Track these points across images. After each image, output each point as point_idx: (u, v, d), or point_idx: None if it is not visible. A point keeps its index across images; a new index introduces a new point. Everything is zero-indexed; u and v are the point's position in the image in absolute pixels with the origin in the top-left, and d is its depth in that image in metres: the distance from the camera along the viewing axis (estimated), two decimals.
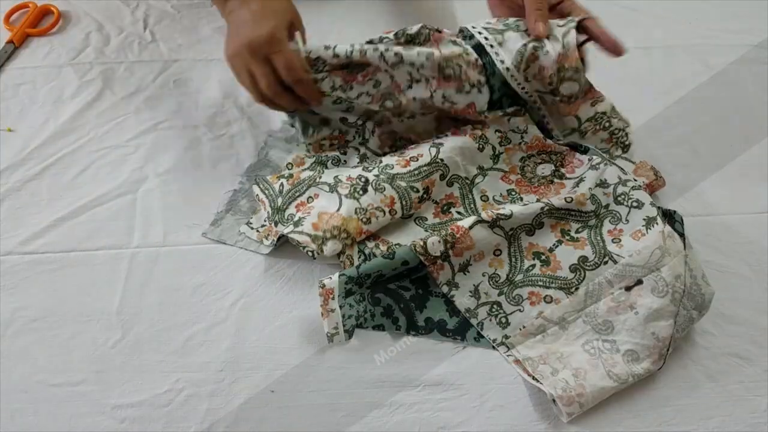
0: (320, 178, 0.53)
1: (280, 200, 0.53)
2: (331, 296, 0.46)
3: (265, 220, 0.53)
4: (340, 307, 0.46)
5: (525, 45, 0.52)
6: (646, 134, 0.61)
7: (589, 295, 0.48)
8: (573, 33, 0.52)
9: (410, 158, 0.53)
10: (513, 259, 0.50)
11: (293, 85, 0.51)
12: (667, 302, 0.45)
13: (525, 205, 0.50)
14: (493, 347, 0.47)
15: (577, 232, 0.50)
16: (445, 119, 0.58)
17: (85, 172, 0.57)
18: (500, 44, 0.53)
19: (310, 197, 0.53)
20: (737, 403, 0.46)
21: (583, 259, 0.49)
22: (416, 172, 0.53)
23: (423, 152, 0.54)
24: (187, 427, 0.44)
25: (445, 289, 0.49)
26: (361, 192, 0.51)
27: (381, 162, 0.54)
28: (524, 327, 0.47)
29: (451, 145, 0.54)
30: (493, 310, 0.48)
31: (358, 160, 0.57)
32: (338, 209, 0.50)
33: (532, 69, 0.53)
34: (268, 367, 0.46)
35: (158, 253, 0.52)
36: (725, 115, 0.64)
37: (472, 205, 0.54)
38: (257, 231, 0.53)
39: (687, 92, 0.66)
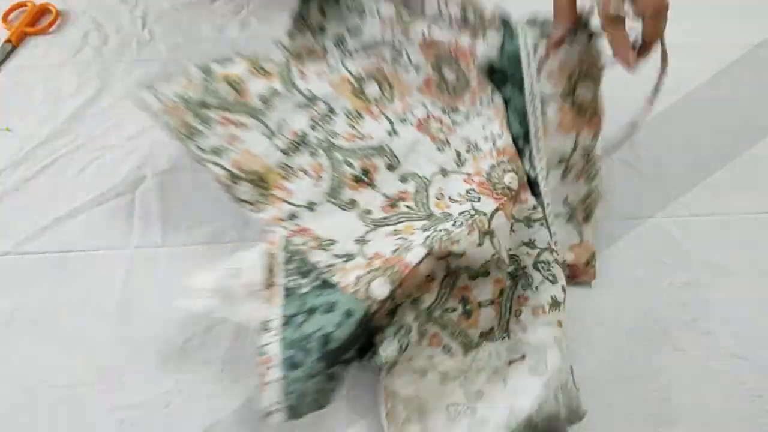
0: (265, 115, 0.50)
1: (211, 99, 0.49)
2: (268, 365, 0.41)
3: (174, 96, 0.49)
4: (283, 378, 0.40)
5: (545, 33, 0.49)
6: (647, 133, 0.62)
7: (475, 363, 0.45)
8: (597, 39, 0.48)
9: (357, 135, 0.51)
10: (441, 292, 0.45)
11: None
12: (540, 384, 0.42)
13: (480, 245, 0.44)
14: (379, 366, 0.43)
15: (500, 293, 0.47)
16: (432, 89, 0.54)
17: (83, 171, 0.58)
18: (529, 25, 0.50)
19: (242, 124, 0.49)
20: (739, 404, 0.46)
21: (491, 329, 0.46)
22: (357, 149, 0.50)
23: (374, 133, 0.51)
24: (187, 428, 0.44)
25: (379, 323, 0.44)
26: (293, 150, 0.49)
27: (331, 121, 0.51)
28: (411, 359, 0.43)
29: (406, 136, 0.52)
30: (401, 332, 0.43)
31: (327, 69, 0.54)
32: (265, 155, 0.49)
33: (548, 67, 0.48)
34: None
35: (157, 253, 0.52)
36: (727, 114, 0.64)
37: (424, 201, 0.50)
38: (161, 102, 0.49)
39: (688, 91, 0.66)
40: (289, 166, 0.49)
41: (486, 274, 0.45)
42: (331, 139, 0.50)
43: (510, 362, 0.45)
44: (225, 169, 0.48)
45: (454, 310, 0.45)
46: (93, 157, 0.59)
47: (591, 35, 0.47)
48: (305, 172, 0.50)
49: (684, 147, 0.62)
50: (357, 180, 0.50)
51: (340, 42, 0.56)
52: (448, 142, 0.52)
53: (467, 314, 0.45)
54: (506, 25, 0.50)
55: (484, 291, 0.46)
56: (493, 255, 0.45)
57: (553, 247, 0.48)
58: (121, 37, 0.69)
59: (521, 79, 0.49)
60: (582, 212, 0.50)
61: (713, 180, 0.59)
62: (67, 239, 0.53)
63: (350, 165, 0.50)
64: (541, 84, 0.49)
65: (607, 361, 0.48)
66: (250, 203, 0.49)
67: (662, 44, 0.47)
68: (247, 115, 0.50)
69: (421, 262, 0.42)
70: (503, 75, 0.50)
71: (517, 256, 0.48)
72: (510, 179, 0.48)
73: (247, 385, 0.46)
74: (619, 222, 0.55)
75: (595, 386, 0.46)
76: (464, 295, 0.46)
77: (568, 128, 0.49)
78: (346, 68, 0.54)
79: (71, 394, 0.45)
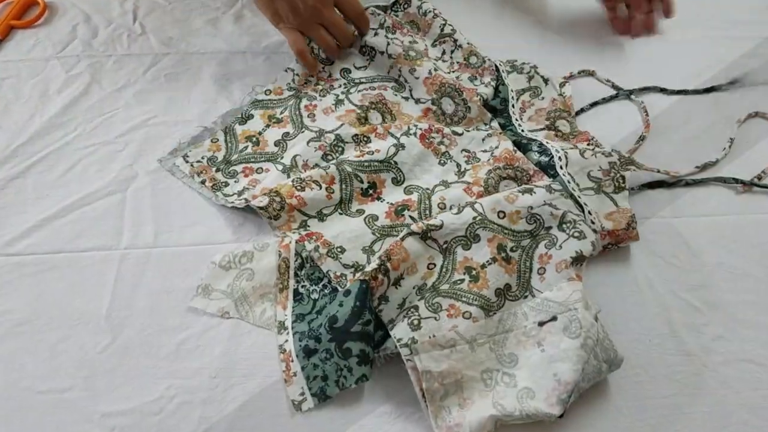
0: (281, 157, 0.58)
1: (235, 156, 0.59)
2: (290, 359, 0.46)
3: (202, 158, 0.58)
4: (302, 368, 0.46)
5: (524, 90, 0.63)
6: (657, 130, 0.62)
7: (502, 324, 0.47)
8: (568, 86, 0.63)
9: (366, 151, 0.57)
10: (443, 271, 0.50)
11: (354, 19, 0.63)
12: (577, 345, 0.44)
13: (457, 213, 0.51)
14: (396, 347, 0.45)
15: (512, 250, 0.51)
16: (429, 117, 0.62)
17: (72, 169, 0.58)
18: (508, 73, 0.65)
19: (261, 168, 0.57)
20: (753, 411, 0.46)
21: (507, 287, 0.49)
22: (366, 164, 0.56)
23: (381, 148, 0.57)
24: None
25: (375, 302, 0.48)
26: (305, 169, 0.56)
27: (341, 150, 0.58)
28: (434, 336, 0.46)
29: (411, 149, 0.58)
30: (410, 313, 0.47)
31: (333, 103, 0.62)
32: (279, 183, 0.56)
33: (528, 113, 0.62)
34: (264, 373, 0.47)
35: (149, 254, 0.53)
36: (737, 109, 0.64)
37: (427, 211, 0.54)
38: (191, 165, 0.58)
39: (698, 86, 0.66)
40: (302, 179, 0.55)
41: (477, 238, 0.50)
42: (342, 157, 0.57)
43: (541, 323, 0.47)
44: (244, 199, 0.55)
45: (461, 281, 0.49)
46: (82, 154, 0.59)
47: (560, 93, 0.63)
48: (317, 183, 0.54)
49: (695, 143, 0.62)
50: (365, 194, 0.55)
51: (345, 72, 0.65)
52: (449, 155, 0.59)
53: (474, 279, 0.49)
54: (498, 72, 0.65)
55: (481, 253, 0.50)
56: (475, 217, 0.50)
57: (577, 213, 0.52)
58: (111, 30, 0.70)
59: (509, 117, 0.61)
60: (610, 184, 0.55)
61: (725, 177, 0.59)
62: (55, 240, 0.53)
63: (359, 179, 0.55)
64: (525, 125, 0.61)
65: None
66: (266, 211, 0.53)
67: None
68: (266, 161, 0.58)
69: (404, 239, 0.49)
70: (495, 112, 0.62)
71: (539, 215, 0.52)
72: (504, 186, 0.55)
73: (242, 390, 0.46)
74: (668, 187, 0.56)
75: (600, 391, 0.46)
76: (467, 266, 0.50)
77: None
78: (350, 101, 0.63)
79: (60, 401, 0.45)
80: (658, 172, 0.57)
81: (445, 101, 0.62)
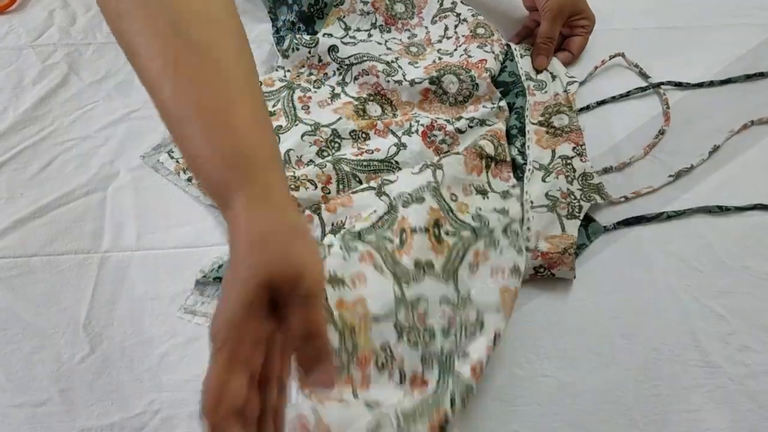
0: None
1: None
2: None
3: None
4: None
5: (529, 79, 0.64)
6: (677, 120, 0.62)
7: (416, 297, 0.47)
8: (576, 86, 0.64)
9: (366, 150, 0.58)
10: (378, 223, 0.50)
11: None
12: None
13: (416, 173, 0.53)
14: None
15: (446, 234, 0.51)
16: (431, 99, 0.62)
17: (48, 167, 0.58)
18: (522, 56, 0.66)
19: None
20: None
21: (429, 264, 0.48)
22: (365, 163, 0.56)
23: (381, 147, 0.58)
24: None
25: None
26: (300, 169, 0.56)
27: (338, 146, 0.59)
28: (334, 274, 0.45)
29: (413, 147, 0.58)
30: (321, 248, 0.48)
31: (329, 96, 0.62)
32: None
33: (529, 100, 0.62)
34: None
35: (131, 258, 0.52)
36: (761, 98, 0.64)
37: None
38: (177, 161, 0.57)
39: (718, 72, 0.67)
40: (296, 177, 0.54)
41: (421, 200, 0.51)
42: (339, 156, 0.57)
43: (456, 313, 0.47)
44: None
45: (390, 240, 0.49)
46: (59, 150, 0.59)
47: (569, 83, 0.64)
48: (313, 182, 0.54)
49: (716, 134, 0.61)
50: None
51: (333, 50, 0.64)
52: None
53: (401, 244, 0.49)
54: (508, 47, 0.65)
55: (417, 218, 0.50)
56: (429, 182, 0.51)
57: (521, 225, 0.53)
58: (90, 16, 0.69)
59: (522, 88, 0.62)
60: (565, 207, 0.55)
61: (750, 177, 0.59)
62: (30, 243, 0.53)
63: (358, 179, 0.55)
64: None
65: (631, 377, 0.48)
66: None
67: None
68: None
69: (356, 192, 0.52)
70: (504, 86, 0.63)
71: (486, 217, 0.52)
72: (485, 143, 0.56)
73: None
74: (647, 222, 0.56)
75: (618, 405, 0.46)
76: (402, 227, 0.50)
77: (545, 146, 0.59)
78: (346, 93, 0.63)
79: (34, 415, 0.45)
80: (625, 199, 0.57)
81: (447, 79, 0.61)
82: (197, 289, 0.51)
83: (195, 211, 0.55)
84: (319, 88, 0.63)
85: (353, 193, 0.52)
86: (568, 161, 0.57)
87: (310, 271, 0.34)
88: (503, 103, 0.61)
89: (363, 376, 0.44)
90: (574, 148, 0.59)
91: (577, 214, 0.54)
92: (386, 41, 0.67)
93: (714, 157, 0.60)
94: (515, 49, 0.65)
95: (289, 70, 0.65)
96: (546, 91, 0.63)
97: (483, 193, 0.54)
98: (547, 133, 0.60)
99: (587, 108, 0.64)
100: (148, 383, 0.46)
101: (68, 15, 0.70)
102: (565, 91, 0.63)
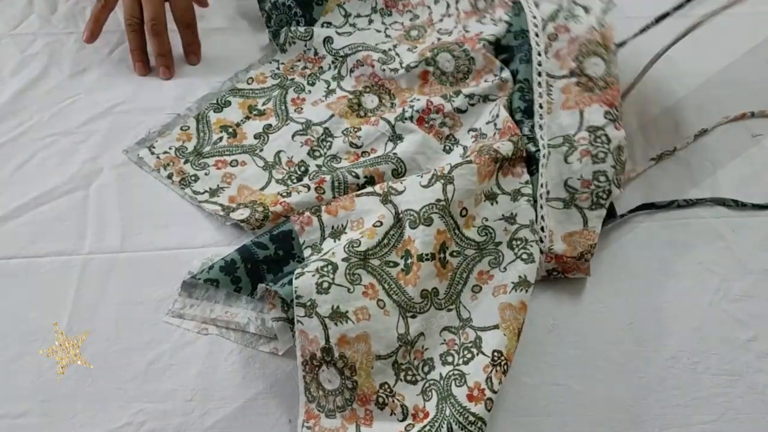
0: (261, 150, 0.58)
1: (207, 148, 0.58)
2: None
3: (170, 149, 0.58)
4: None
5: (558, 11, 0.57)
6: (697, 123, 0.62)
7: (418, 332, 0.47)
8: (612, 15, 0.56)
9: (363, 152, 0.58)
10: (384, 240, 0.49)
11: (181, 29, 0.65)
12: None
13: (426, 186, 0.50)
14: (292, 300, 0.45)
15: (452, 255, 0.50)
16: (431, 81, 0.61)
17: (27, 164, 0.57)
18: (536, 5, 0.59)
19: (236, 161, 0.57)
20: None
21: (435, 291, 0.49)
22: (362, 161, 0.57)
23: (378, 148, 0.58)
24: None
25: (307, 252, 0.49)
26: (294, 180, 0.56)
27: (330, 145, 0.58)
28: (337, 308, 0.45)
29: (410, 137, 0.57)
30: (325, 270, 0.46)
31: (323, 94, 0.62)
32: (263, 188, 0.56)
33: (555, 46, 0.57)
34: (246, 396, 0.46)
35: (115, 260, 0.52)
36: None
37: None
38: (157, 157, 0.58)
39: (733, 62, 0.67)
40: (287, 185, 0.55)
41: (429, 221, 0.49)
42: (335, 164, 0.58)
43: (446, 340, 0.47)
44: (220, 205, 0.55)
45: (395, 264, 0.48)
46: (39, 146, 0.59)
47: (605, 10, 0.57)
48: (305, 186, 0.54)
49: (735, 138, 0.62)
50: (361, 189, 0.54)
51: (327, 42, 0.64)
52: (454, 138, 0.58)
53: (407, 270, 0.48)
54: (515, 2, 0.60)
55: (424, 243, 0.49)
56: (439, 200, 0.49)
57: (535, 227, 0.51)
58: (72, 3, 0.69)
59: (528, 52, 0.56)
60: (587, 197, 0.52)
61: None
62: (8, 244, 0.53)
63: (354, 174, 0.55)
64: (549, 63, 0.56)
65: (646, 386, 0.47)
66: (248, 223, 0.53)
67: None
68: (242, 153, 0.58)
69: (360, 195, 0.51)
70: (510, 52, 0.59)
71: (493, 229, 0.52)
72: (500, 145, 0.53)
73: (222, 415, 0.45)
74: (663, 222, 0.56)
75: (631, 415, 0.46)
76: (406, 248, 0.49)
77: (572, 106, 0.55)
78: (342, 88, 0.63)
79: (13, 428, 0.45)
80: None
81: (441, 58, 0.60)
82: (185, 291, 0.50)
83: (183, 210, 0.55)
84: (313, 84, 0.63)
85: (357, 196, 0.52)
86: (599, 132, 0.53)
87: None
88: (506, 74, 0.59)
89: (366, 412, 0.44)
90: (606, 112, 0.53)
91: (603, 202, 0.52)
92: (386, 27, 0.67)
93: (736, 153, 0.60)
94: (526, 2, 0.59)
95: (283, 63, 0.65)
96: (581, 21, 0.56)
97: (492, 198, 0.53)
98: (578, 85, 0.55)
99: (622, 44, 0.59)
100: (133, 393, 0.46)
101: (49, 2, 0.69)
102: (601, 25, 0.56)
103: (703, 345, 0.49)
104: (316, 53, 0.65)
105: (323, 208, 0.51)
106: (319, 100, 0.62)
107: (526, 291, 0.47)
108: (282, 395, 0.46)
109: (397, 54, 0.63)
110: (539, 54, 0.56)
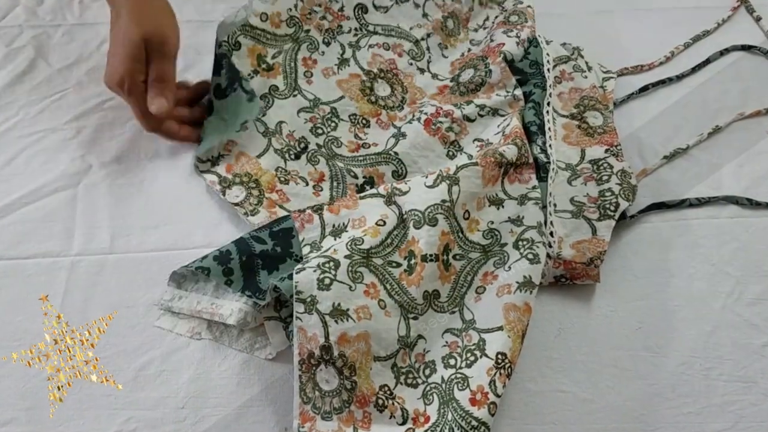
0: (264, 115, 0.59)
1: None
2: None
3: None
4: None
5: (567, 59, 0.63)
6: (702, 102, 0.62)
7: (416, 334, 0.48)
8: (613, 82, 0.63)
9: (362, 144, 0.59)
10: (387, 240, 0.50)
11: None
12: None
13: (431, 186, 0.51)
14: (289, 297, 0.45)
15: (455, 258, 0.51)
16: (445, 92, 0.63)
17: (13, 161, 0.58)
18: (548, 43, 0.64)
19: (242, 127, 0.57)
20: None
21: (436, 294, 0.49)
22: (361, 158, 0.57)
23: (380, 141, 0.59)
24: None
25: (306, 250, 0.50)
26: (292, 156, 0.57)
27: (334, 126, 0.59)
28: (338, 305, 0.45)
29: (414, 138, 0.58)
30: (327, 266, 0.47)
31: (336, 62, 0.62)
32: (260, 155, 0.56)
33: (560, 89, 0.62)
34: (240, 402, 0.47)
35: (104, 261, 0.52)
36: None
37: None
38: None
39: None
40: (287, 171, 0.55)
41: (434, 221, 0.50)
42: (334, 148, 0.58)
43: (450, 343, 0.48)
44: (217, 175, 0.55)
45: (398, 265, 0.49)
46: (26, 143, 0.59)
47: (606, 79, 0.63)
48: (304, 180, 0.55)
49: (749, 135, 0.61)
50: (361, 191, 0.55)
51: (361, 10, 0.64)
52: (459, 145, 0.59)
53: (410, 271, 0.49)
54: (533, 35, 0.64)
55: (428, 243, 0.49)
56: (444, 201, 0.50)
57: (543, 229, 0.52)
58: None
59: (543, 81, 0.60)
60: (595, 210, 0.55)
61: None
62: None
63: (353, 175, 0.56)
64: (554, 100, 0.61)
65: (656, 393, 0.48)
66: (242, 206, 0.54)
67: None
68: (245, 117, 0.58)
69: (364, 197, 0.52)
70: (524, 75, 0.61)
71: (498, 231, 0.53)
72: (506, 149, 0.54)
73: (215, 423, 0.46)
74: (674, 221, 0.56)
75: (642, 423, 0.46)
76: (410, 248, 0.49)
77: (573, 143, 0.59)
78: (357, 62, 0.63)
79: None
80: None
81: (465, 74, 0.62)
82: (174, 282, 0.51)
83: (175, 210, 0.55)
84: (328, 44, 0.63)
85: (361, 198, 0.52)
86: (601, 162, 0.57)
87: (172, 36, 0.55)
88: (519, 92, 0.60)
89: (364, 414, 0.45)
90: (607, 149, 0.58)
91: (612, 213, 0.54)
92: (425, 2, 0.66)
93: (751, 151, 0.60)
94: (541, 38, 0.63)
95: (302, 1, 0.62)
96: (586, 76, 0.63)
97: (498, 203, 0.54)
98: (579, 128, 0.60)
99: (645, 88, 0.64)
100: (124, 400, 0.46)
101: None
102: (602, 87, 0.63)
103: (716, 350, 0.49)
104: (341, 9, 0.64)
105: (325, 207, 0.52)
106: (331, 70, 0.62)
107: (531, 292, 0.48)
108: (278, 401, 0.47)
109: (428, 48, 0.64)
110: (551, 86, 0.60)
